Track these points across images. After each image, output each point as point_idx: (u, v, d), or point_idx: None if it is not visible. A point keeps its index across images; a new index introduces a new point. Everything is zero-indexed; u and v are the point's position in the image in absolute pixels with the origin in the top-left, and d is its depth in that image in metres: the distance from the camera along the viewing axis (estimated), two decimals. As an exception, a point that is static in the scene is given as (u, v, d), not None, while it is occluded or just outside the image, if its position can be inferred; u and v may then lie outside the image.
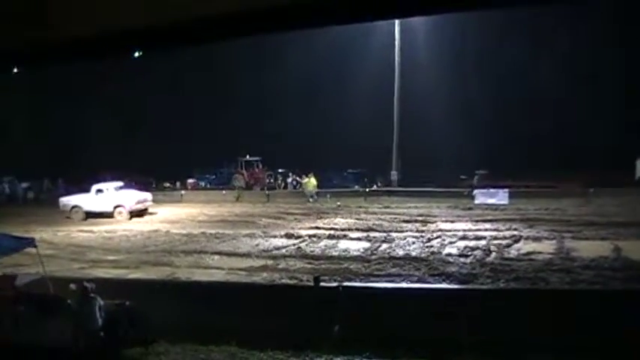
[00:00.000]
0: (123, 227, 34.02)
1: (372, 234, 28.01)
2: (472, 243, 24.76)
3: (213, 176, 57.34)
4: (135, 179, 48.79)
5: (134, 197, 40.09)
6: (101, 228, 34.01)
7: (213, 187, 53.49)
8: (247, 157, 53.19)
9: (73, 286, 14.44)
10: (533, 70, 46.93)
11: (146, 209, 40.47)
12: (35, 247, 15.64)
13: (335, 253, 24.38)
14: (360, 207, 38.47)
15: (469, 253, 23.01)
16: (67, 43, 2.87)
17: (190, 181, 54.31)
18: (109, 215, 38.15)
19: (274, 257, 24.01)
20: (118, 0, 2.40)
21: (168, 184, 53.79)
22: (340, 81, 52.42)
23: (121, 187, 40.85)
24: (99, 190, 39.41)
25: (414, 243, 25.49)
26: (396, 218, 32.67)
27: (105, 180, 42.24)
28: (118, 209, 38.53)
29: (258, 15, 2.45)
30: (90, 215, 38.66)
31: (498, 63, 46.86)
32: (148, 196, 41.73)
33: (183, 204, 44.57)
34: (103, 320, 13.33)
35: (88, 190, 39.84)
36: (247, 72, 58.35)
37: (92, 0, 2.38)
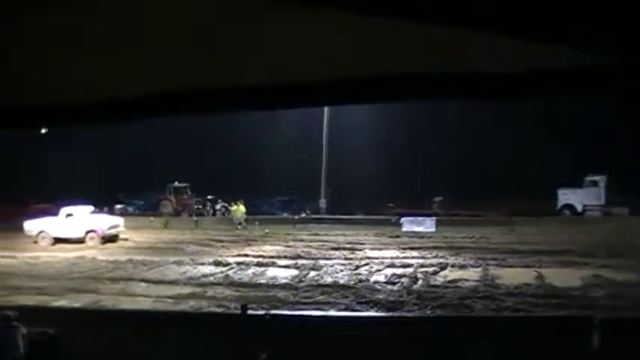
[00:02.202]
0: (47, 253, 33.23)
1: (300, 261, 28.01)
2: (399, 270, 25.02)
3: (142, 202, 56.50)
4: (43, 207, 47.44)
5: (107, 222, 39.05)
6: (24, 254, 33.13)
7: (141, 214, 52.62)
8: (176, 183, 52.73)
9: (-7, 314, 14.07)
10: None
11: (117, 235, 39.10)
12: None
13: (263, 281, 24.31)
14: (289, 234, 38.55)
15: (396, 280, 23.20)
16: (67, 109, 2.90)
17: (118, 207, 53.29)
18: (79, 241, 36.62)
19: (202, 285, 23.75)
20: (118, 73, 2.44)
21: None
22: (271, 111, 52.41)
23: (92, 212, 39.76)
24: (69, 214, 38.02)
25: (341, 270, 25.61)
26: (324, 246, 32.83)
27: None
28: (89, 234, 37.06)
29: (260, 91, 2.52)
30: (59, 241, 36.97)
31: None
32: (120, 220, 40.71)
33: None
34: (26, 349, 13.02)
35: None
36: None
37: (93, 71, 2.42)
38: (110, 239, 37.79)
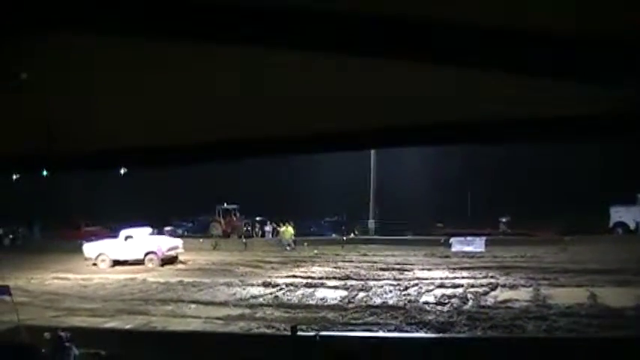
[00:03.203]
0: (99, 275, 33.65)
1: (350, 282, 27.92)
2: (449, 291, 24.76)
3: (191, 224, 56.87)
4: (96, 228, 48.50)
5: (166, 243, 39.29)
6: (77, 276, 33.58)
7: (191, 235, 52.89)
8: (225, 205, 53.01)
9: (47, 334, 14.26)
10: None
11: (177, 256, 39.04)
12: (10, 295, 15.44)
13: (312, 302, 24.28)
14: (338, 255, 38.44)
15: (446, 301, 22.96)
16: (69, 156, 3.01)
17: (168, 229, 53.63)
18: (138, 262, 36.79)
19: (251, 306, 23.84)
20: (120, 124, 2.53)
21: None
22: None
23: (151, 233, 40.15)
24: (128, 236, 38.17)
25: (391, 291, 25.44)
26: (373, 266, 32.67)
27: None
28: (149, 256, 37.14)
29: (253, 143, 2.61)
30: (118, 263, 37.13)
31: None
32: (179, 242, 40.87)
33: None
34: (78, 370, 13.16)
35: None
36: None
37: (94, 120, 2.52)
38: (169, 261, 37.90)
